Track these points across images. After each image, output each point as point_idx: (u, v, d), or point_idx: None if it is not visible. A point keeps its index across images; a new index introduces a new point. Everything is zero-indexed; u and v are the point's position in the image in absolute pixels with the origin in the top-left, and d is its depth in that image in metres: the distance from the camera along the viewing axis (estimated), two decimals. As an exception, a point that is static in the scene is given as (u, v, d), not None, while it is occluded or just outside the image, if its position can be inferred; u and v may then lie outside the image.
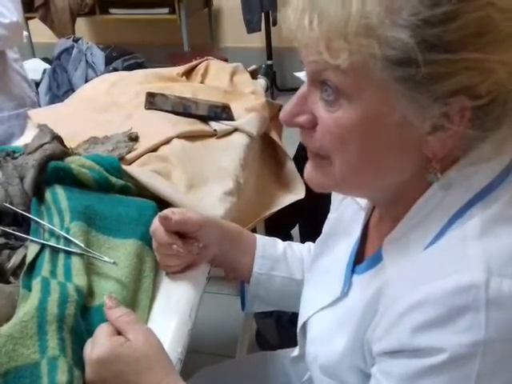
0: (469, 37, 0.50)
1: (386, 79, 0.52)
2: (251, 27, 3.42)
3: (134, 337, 0.67)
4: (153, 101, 1.34)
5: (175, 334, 0.77)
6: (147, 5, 3.47)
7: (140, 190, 1.01)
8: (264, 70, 3.45)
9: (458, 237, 0.55)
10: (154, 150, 1.17)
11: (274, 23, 3.48)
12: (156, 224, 0.82)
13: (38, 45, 3.65)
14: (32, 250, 0.82)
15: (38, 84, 2.56)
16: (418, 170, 0.58)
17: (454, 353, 0.50)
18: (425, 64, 0.50)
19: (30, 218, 0.88)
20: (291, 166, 1.42)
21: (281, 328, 1.71)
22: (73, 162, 0.97)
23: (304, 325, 0.79)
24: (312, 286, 0.81)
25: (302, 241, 0.97)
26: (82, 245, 0.82)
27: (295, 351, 0.90)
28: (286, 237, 1.92)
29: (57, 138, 1.03)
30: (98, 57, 2.62)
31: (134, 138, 1.18)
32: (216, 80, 1.56)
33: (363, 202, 0.74)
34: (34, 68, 2.70)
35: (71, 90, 2.48)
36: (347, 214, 0.78)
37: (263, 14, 3.42)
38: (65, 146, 1.04)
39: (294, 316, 0.85)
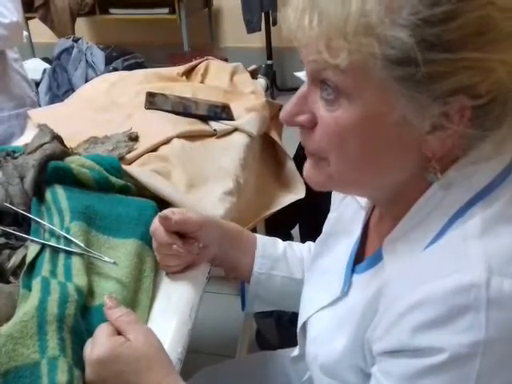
0: (468, 36, 0.50)
1: (386, 78, 0.52)
2: (251, 27, 3.42)
3: (134, 337, 0.67)
4: (153, 101, 1.34)
5: (175, 334, 0.77)
6: (147, 5, 3.47)
7: (140, 190, 1.01)
8: (264, 70, 3.46)
9: (458, 236, 0.55)
10: (154, 149, 1.17)
11: (274, 23, 3.48)
12: (156, 224, 0.82)
13: (37, 45, 3.65)
14: (32, 250, 0.82)
15: (38, 84, 2.56)
16: (417, 169, 0.58)
17: (454, 353, 0.50)
18: (424, 63, 0.50)
19: (30, 217, 0.88)
20: (291, 165, 1.42)
21: (281, 328, 1.71)
22: (73, 162, 0.97)
23: (304, 324, 0.79)
24: (312, 285, 0.81)
25: (302, 240, 0.97)
26: (82, 245, 0.82)
27: (295, 351, 0.90)
28: (286, 237, 1.92)
29: (57, 138, 1.03)
30: (98, 57, 2.62)
31: (134, 138, 1.18)
32: (216, 80, 1.56)
33: (363, 201, 0.74)
34: (34, 68, 2.70)
35: (71, 89, 2.48)
36: (347, 213, 0.78)
37: (263, 14, 3.42)
38: (65, 146, 1.04)
39: (294, 316, 0.85)
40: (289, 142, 1.51)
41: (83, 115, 1.34)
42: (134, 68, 2.27)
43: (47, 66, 2.77)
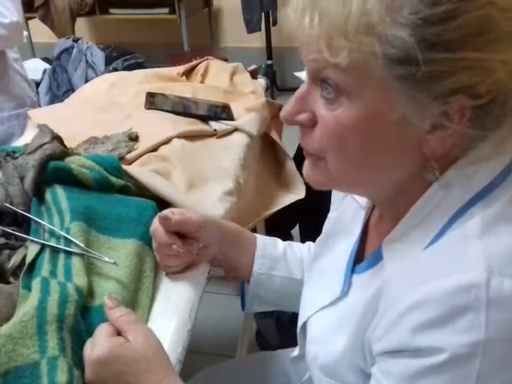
0: (469, 36, 0.50)
1: (386, 77, 0.52)
2: (251, 27, 3.42)
3: (134, 337, 0.67)
4: (153, 101, 1.34)
5: (175, 335, 0.77)
6: (147, 5, 3.47)
7: (140, 190, 1.01)
8: (264, 70, 3.46)
9: (458, 236, 0.55)
10: (154, 149, 1.17)
11: (274, 23, 3.48)
12: (156, 224, 0.82)
13: (37, 45, 3.65)
14: (32, 250, 0.82)
15: (38, 84, 2.57)
16: (417, 168, 0.58)
17: (454, 353, 0.50)
18: (425, 63, 0.50)
19: (30, 218, 0.88)
20: (291, 165, 1.42)
21: (281, 328, 1.71)
22: (73, 162, 0.97)
23: (304, 324, 0.79)
24: (312, 285, 0.81)
25: (302, 240, 0.97)
26: (82, 245, 0.82)
27: (295, 351, 0.90)
28: (286, 237, 1.92)
29: (57, 138, 1.03)
30: (98, 57, 2.62)
31: (134, 138, 1.18)
32: (216, 80, 1.56)
33: (363, 201, 0.74)
34: (34, 68, 2.70)
35: (71, 89, 2.48)
36: (347, 213, 0.78)
37: (263, 14, 3.42)
38: (65, 146, 1.04)
39: (294, 316, 0.84)
40: (289, 141, 1.51)
41: (83, 115, 1.34)
42: (134, 68, 2.27)
43: (47, 66, 2.77)
